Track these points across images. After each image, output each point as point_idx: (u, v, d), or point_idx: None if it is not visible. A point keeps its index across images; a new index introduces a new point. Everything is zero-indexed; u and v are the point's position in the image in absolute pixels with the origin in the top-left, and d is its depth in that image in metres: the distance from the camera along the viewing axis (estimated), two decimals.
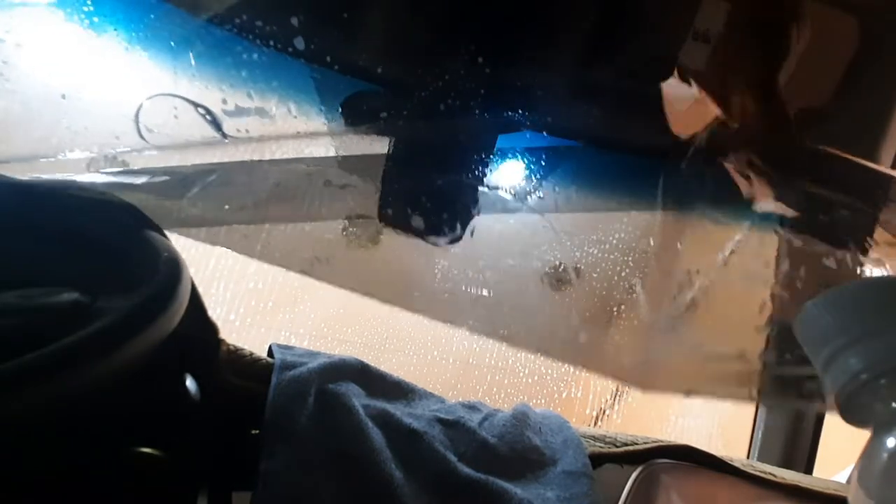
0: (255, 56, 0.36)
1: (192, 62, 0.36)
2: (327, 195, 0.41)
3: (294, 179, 0.40)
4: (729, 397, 0.45)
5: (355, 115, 0.38)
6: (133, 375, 0.28)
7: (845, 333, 0.26)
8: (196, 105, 0.36)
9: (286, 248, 0.41)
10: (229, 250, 0.41)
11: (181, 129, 0.38)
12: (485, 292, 0.45)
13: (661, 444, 0.48)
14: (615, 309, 0.46)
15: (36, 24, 0.35)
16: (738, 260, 0.43)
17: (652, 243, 0.44)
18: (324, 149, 0.40)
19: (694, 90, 0.36)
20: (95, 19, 0.35)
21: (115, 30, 0.35)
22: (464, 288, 0.44)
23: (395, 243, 0.42)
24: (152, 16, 0.35)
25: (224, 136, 0.37)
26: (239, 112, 0.38)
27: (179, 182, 0.39)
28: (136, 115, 0.36)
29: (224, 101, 0.38)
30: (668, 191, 0.41)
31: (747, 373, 0.43)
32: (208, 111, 0.36)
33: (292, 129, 0.39)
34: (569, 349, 0.45)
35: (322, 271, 0.42)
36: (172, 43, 0.35)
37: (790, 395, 0.41)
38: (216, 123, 0.36)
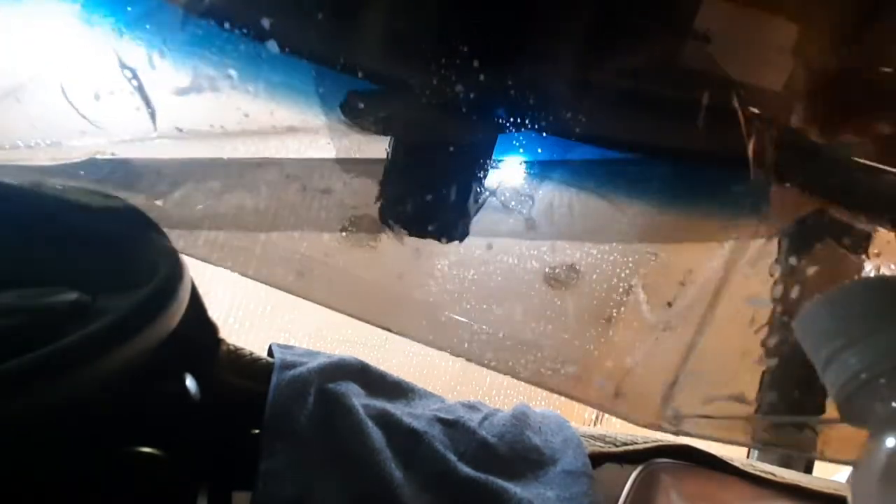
0: (253, 55, 0.36)
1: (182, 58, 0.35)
2: (325, 198, 0.41)
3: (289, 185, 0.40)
4: (723, 439, 0.43)
5: (355, 115, 0.38)
6: (133, 375, 0.28)
7: (845, 333, 0.26)
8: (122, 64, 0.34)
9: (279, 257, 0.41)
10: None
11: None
12: (484, 294, 0.45)
13: (661, 443, 0.48)
14: (615, 310, 0.46)
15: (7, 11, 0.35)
16: (738, 260, 0.43)
17: (652, 243, 0.44)
18: (324, 151, 0.40)
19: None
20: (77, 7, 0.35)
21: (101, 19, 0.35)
22: (464, 288, 0.44)
23: (395, 243, 0.42)
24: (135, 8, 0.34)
25: (153, 114, 0.36)
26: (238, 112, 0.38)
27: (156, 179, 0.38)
28: (63, 92, 0.35)
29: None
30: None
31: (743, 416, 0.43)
32: (134, 74, 0.35)
33: (291, 128, 0.39)
34: (554, 380, 0.44)
35: (307, 286, 0.41)
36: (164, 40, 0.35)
37: (784, 440, 0.41)
38: (142, 92, 0.35)
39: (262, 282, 0.40)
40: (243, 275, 0.39)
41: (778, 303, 0.39)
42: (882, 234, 0.40)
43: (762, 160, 0.36)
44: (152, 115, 0.36)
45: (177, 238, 0.36)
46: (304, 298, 0.41)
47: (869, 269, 0.41)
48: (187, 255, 0.37)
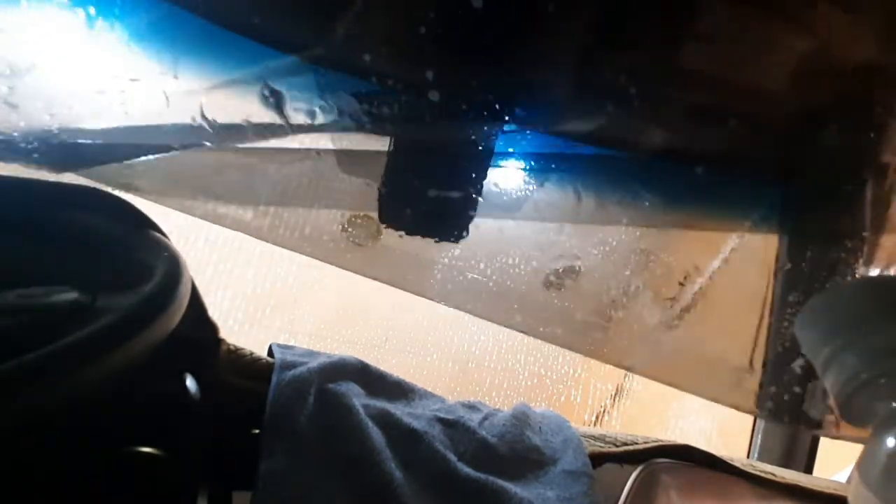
0: (255, 55, 0.36)
1: (189, 58, 0.35)
2: (327, 194, 0.41)
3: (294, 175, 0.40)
4: (730, 404, 0.45)
5: (356, 115, 0.38)
6: (133, 375, 0.28)
7: (845, 333, 0.26)
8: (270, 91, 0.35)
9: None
10: (228, 256, 0.41)
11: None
12: (484, 293, 0.45)
13: (661, 443, 0.48)
14: (615, 309, 0.46)
15: (35, 20, 0.35)
16: (738, 260, 0.44)
17: (652, 243, 0.44)
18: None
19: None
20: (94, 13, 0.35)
21: (112, 25, 0.35)
22: (464, 288, 0.44)
23: (395, 243, 0.42)
24: (149, 12, 0.35)
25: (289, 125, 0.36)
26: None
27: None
28: (202, 111, 0.36)
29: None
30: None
31: (748, 383, 0.44)
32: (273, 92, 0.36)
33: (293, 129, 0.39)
34: (573, 339, 0.45)
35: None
36: (171, 38, 0.35)
37: (786, 414, 0.42)
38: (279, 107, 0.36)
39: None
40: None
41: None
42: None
43: None
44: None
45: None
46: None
47: (869, 269, 0.41)
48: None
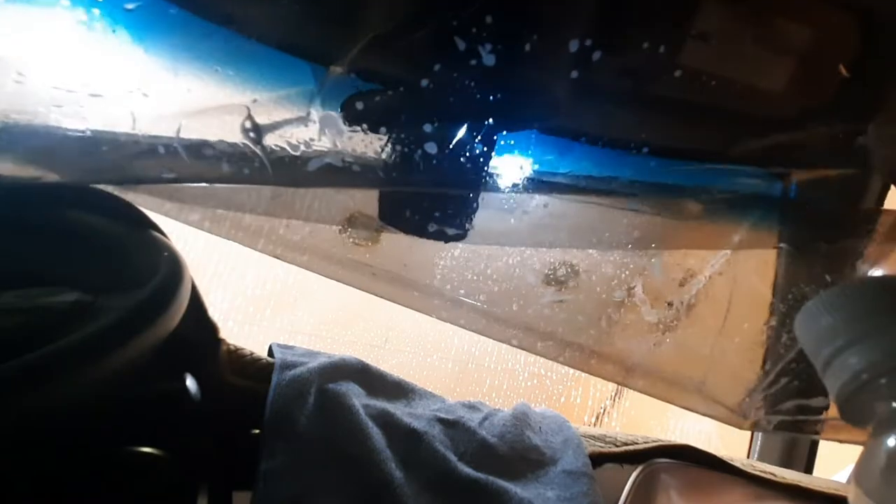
0: (254, 54, 0.36)
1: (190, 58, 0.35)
2: (327, 194, 0.41)
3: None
4: (721, 419, 0.45)
5: (355, 115, 0.38)
6: (133, 375, 0.28)
7: (845, 333, 0.26)
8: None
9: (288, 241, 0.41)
10: (228, 256, 0.41)
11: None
12: (484, 293, 0.45)
13: (661, 443, 0.48)
14: (615, 310, 0.46)
15: (34, 20, 0.35)
16: (738, 260, 0.44)
17: (652, 243, 0.44)
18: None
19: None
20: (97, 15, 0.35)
21: (114, 26, 0.35)
22: (463, 288, 0.44)
23: (395, 243, 0.42)
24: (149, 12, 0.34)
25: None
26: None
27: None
28: (178, 132, 0.35)
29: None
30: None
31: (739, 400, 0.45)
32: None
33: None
34: (566, 351, 0.45)
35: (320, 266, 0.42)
36: (172, 39, 0.35)
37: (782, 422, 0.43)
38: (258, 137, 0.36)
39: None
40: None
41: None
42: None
43: None
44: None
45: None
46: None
47: (869, 269, 0.41)
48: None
